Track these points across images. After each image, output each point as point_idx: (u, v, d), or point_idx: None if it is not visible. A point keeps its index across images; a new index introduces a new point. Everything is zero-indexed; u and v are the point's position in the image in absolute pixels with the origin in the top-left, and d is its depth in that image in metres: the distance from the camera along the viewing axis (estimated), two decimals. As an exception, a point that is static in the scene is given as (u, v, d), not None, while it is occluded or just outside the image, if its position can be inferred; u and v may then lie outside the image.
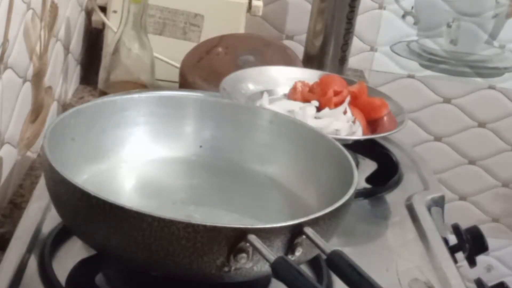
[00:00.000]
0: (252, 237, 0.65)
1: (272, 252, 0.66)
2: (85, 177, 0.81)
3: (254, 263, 0.67)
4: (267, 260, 0.65)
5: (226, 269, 0.67)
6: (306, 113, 1.04)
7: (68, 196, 0.70)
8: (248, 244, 0.65)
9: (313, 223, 0.68)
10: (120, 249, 0.69)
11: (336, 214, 0.71)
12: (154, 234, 0.65)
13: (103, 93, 1.15)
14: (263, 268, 0.67)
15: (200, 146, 0.89)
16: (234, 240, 0.65)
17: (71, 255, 0.78)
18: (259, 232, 0.66)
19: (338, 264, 0.67)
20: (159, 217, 0.65)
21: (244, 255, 0.66)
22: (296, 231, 0.68)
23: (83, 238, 0.74)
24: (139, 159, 0.87)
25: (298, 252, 0.69)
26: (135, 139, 0.87)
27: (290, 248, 0.68)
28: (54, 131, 0.77)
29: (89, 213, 0.68)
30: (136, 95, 0.89)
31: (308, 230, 0.68)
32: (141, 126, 0.87)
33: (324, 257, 0.69)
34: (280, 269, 0.65)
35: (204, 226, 0.65)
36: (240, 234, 0.65)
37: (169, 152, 0.88)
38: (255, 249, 0.65)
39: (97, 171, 0.83)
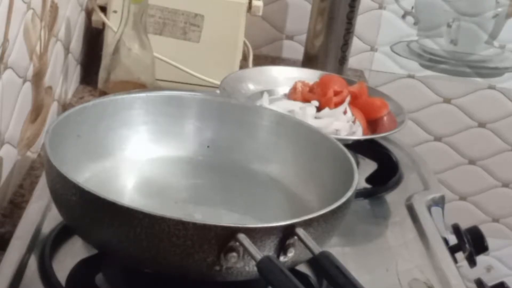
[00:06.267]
0: (241, 236, 0.65)
1: (262, 252, 0.65)
2: (87, 175, 0.81)
3: (245, 263, 0.67)
4: (254, 259, 0.65)
5: (217, 267, 0.66)
6: (306, 113, 1.04)
7: (64, 191, 0.70)
8: (238, 244, 0.65)
9: (305, 224, 0.68)
10: (114, 246, 0.69)
11: (332, 216, 0.70)
12: (145, 231, 0.65)
13: (103, 93, 1.15)
14: (254, 268, 0.67)
15: (208, 146, 0.89)
16: (224, 238, 0.65)
17: (71, 255, 0.78)
18: (249, 231, 0.65)
19: (325, 265, 0.66)
20: (149, 213, 0.65)
21: (234, 254, 0.66)
22: (287, 232, 0.67)
23: (81, 235, 0.74)
24: (142, 158, 0.87)
25: (291, 253, 0.68)
26: (139, 138, 0.87)
27: (282, 249, 0.68)
28: (57, 128, 0.77)
29: (83, 208, 0.69)
30: (143, 94, 0.89)
31: (300, 231, 0.67)
32: (145, 125, 0.88)
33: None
34: (265, 268, 0.64)
35: (194, 224, 0.64)
36: (230, 233, 0.65)
37: (172, 152, 0.88)
38: (244, 248, 0.65)
39: (100, 169, 0.83)
